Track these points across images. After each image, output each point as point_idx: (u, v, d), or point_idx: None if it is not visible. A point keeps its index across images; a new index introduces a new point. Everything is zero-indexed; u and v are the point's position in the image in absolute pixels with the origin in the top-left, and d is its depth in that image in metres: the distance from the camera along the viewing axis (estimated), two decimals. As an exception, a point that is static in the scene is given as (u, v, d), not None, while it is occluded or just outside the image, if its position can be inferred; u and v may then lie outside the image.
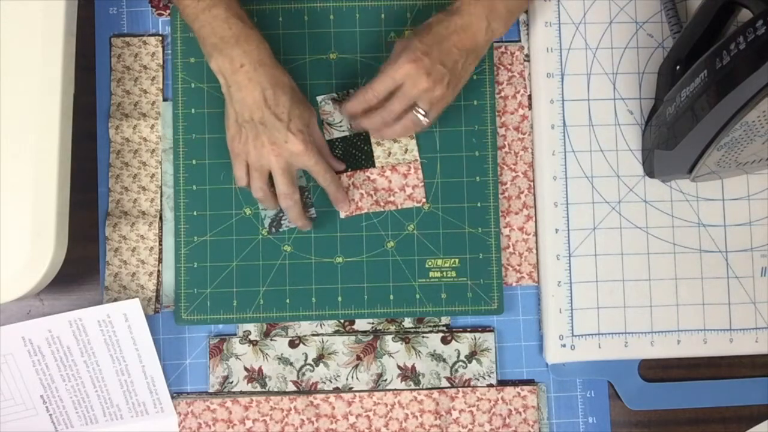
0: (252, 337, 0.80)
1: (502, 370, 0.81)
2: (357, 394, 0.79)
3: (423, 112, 0.74)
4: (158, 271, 0.80)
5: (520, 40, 0.83)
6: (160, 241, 0.80)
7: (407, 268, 0.80)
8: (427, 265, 0.80)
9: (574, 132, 0.81)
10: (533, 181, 0.82)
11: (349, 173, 0.80)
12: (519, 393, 0.80)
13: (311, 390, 0.80)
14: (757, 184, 0.82)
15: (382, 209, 0.80)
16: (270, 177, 0.74)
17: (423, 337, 0.80)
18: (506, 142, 0.82)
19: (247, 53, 0.70)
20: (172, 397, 0.79)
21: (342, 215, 0.80)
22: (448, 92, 0.73)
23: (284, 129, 0.71)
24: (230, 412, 0.79)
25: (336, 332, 0.80)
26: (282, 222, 0.79)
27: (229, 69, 0.71)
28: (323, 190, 0.80)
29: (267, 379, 0.80)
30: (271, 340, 0.80)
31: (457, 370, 0.80)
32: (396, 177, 0.80)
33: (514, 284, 0.81)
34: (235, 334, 0.80)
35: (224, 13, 0.71)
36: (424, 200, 0.80)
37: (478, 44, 0.73)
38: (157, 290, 0.80)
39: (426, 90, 0.72)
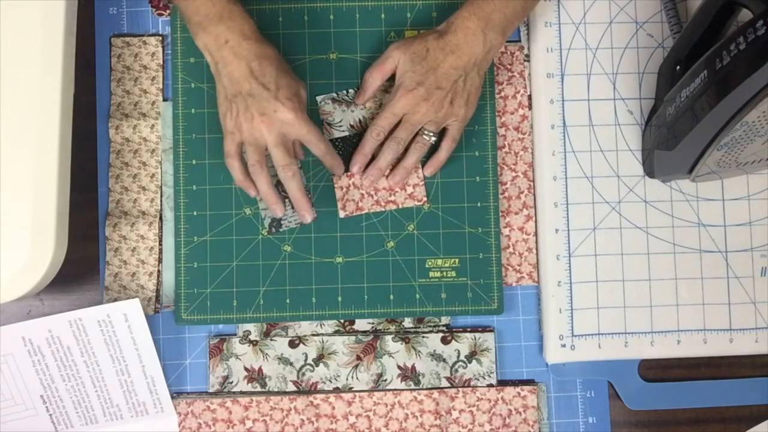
0: (252, 337, 0.80)
1: (502, 370, 0.81)
2: (357, 394, 0.79)
3: (431, 134, 0.76)
4: (158, 271, 0.80)
5: (520, 40, 0.83)
6: (160, 241, 0.80)
7: (407, 268, 0.80)
8: (427, 265, 0.80)
9: (574, 132, 0.82)
10: (533, 181, 0.82)
11: (349, 173, 0.80)
12: (519, 393, 0.80)
13: (311, 390, 0.80)
14: (757, 184, 0.82)
15: (383, 209, 0.80)
16: (266, 153, 0.74)
17: (423, 337, 0.80)
18: (506, 142, 0.82)
19: (231, 29, 0.71)
20: (172, 397, 0.79)
21: (341, 215, 0.80)
22: (455, 110, 0.75)
23: (272, 98, 0.71)
24: (230, 412, 0.79)
25: (336, 332, 0.80)
26: (282, 222, 0.79)
27: (214, 46, 0.71)
28: (323, 189, 0.80)
29: (267, 379, 0.80)
30: (271, 340, 0.80)
31: (457, 370, 0.80)
32: (396, 177, 0.80)
33: (514, 284, 0.81)
34: (235, 334, 0.80)
35: None
36: (425, 199, 0.80)
37: (477, 59, 0.74)
38: (157, 290, 0.80)
39: (426, 114, 0.75)
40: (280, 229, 0.79)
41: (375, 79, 0.78)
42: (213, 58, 0.72)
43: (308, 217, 0.76)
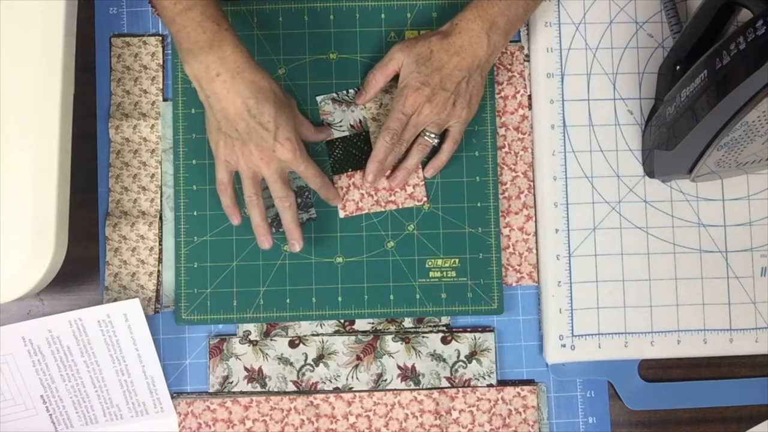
0: (252, 337, 0.80)
1: (502, 370, 0.81)
2: (357, 394, 0.79)
3: (433, 135, 0.77)
4: (158, 271, 0.80)
5: (520, 40, 0.83)
6: (160, 241, 0.80)
7: (407, 268, 0.80)
8: (427, 265, 0.80)
9: (574, 132, 0.82)
10: (533, 181, 0.82)
11: (349, 173, 0.80)
12: (519, 393, 0.80)
13: (311, 390, 0.80)
14: (757, 184, 0.82)
15: (383, 209, 0.80)
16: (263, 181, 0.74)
17: (423, 337, 0.80)
18: (506, 142, 0.82)
19: (222, 60, 0.67)
20: (172, 397, 0.79)
21: (341, 215, 0.80)
22: (457, 111, 0.75)
23: (271, 139, 0.70)
24: (230, 412, 0.79)
25: (336, 332, 0.80)
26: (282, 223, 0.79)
27: (205, 77, 0.68)
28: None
29: (267, 379, 0.80)
30: (271, 340, 0.80)
31: (457, 370, 0.80)
32: (396, 177, 0.80)
33: (514, 284, 0.81)
34: (235, 334, 0.80)
35: (199, 17, 0.67)
36: (425, 199, 0.80)
37: (480, 61, 0.74)
38: (157, 290, 0.80)
39: (429, 115, 0.75)
40: (281, 229, 0.79)
41: (378, 80, 0.78)
42: (204, 91, 0.69)
43: (297, 246, 0.76)
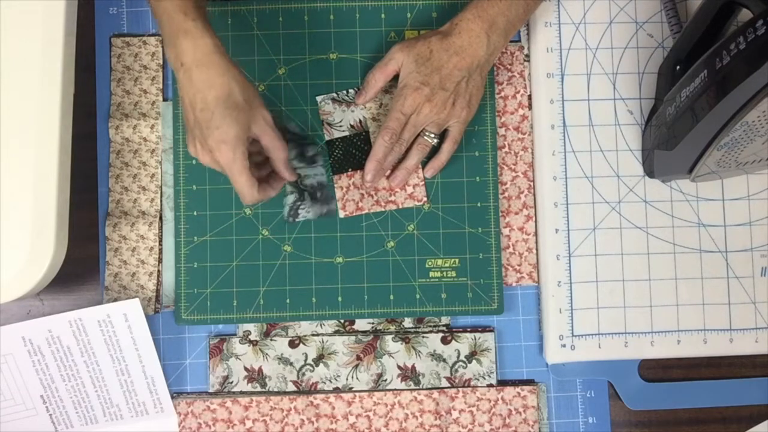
0: (252, 337, 0.80)
1: (502, 370, 0.81)
2: (357, 394, 0.79)
3: (433, 135, 0.77)
4: (158, 271, 0.80)
5: (520, 40, 0.83)
6: (160, 241, 0.80)
7: (407, 268, 0.80)
8: (427, 265, 0.80)
9: (574, 132, 0.82)
10: (533, 181, 0.82)
11: (349, 173, 0.80)
12: (519, 393, 0.80)
13: (311, 390, 0.80)
14: (757, 184, 0.82)
15: (383, 209, 0.80)
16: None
17: (423, 337, 0.80)
18: (506, 142, 0.82)
19: (185, 51, 0.66)
20: (172, 397, 0.79)
21: (341, 215, 0.80)
22: (457, 111, 0.76)
23: (206, 139, 0.67)
24: (230, 412, 0.79)
25: (336, 332, 0.80)
26: (299, 211, 0.79)
27: (174, 65, 0.67)
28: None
29: (267, 379, 0.80)
30: (271, 340, 0.80)
31: (457, 370, 0.80)
32: (396, 177, 0.80)
33: (514, 284, 0.81)
34: (235, 334, 0.80)
35: (171, 6, 0.66)
36: (425, 199, 0.80)
37: (480, 61, 0.74)
38: (157, 290, 0.80)
39: (429, 115, 0.75)
40: (297, 219, 0.79)
41: (377, 80, 0.78)
42: (176, 75, 0.68)
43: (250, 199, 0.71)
